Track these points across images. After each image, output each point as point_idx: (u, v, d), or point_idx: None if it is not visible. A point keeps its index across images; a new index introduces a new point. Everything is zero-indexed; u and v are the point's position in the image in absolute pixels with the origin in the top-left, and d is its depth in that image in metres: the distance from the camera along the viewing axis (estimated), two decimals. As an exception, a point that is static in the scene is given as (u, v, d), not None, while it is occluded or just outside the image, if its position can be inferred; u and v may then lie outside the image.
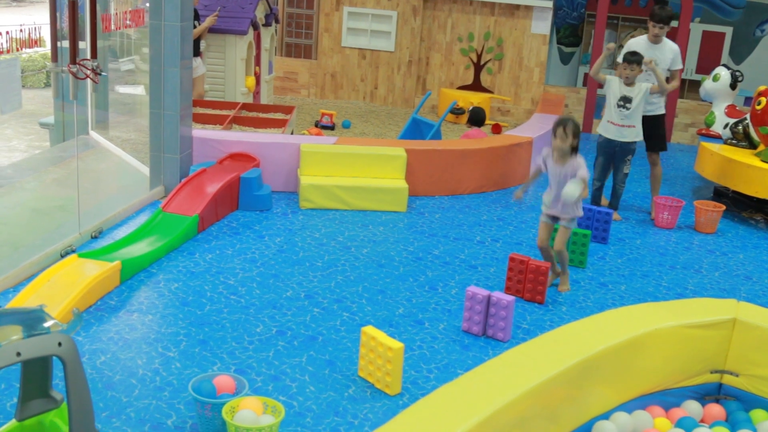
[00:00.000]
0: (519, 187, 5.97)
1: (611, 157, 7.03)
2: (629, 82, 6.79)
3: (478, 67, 11.21)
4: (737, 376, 4.03)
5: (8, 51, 4.93)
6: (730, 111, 8.48)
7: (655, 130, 7.30)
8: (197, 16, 8.34)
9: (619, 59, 6.98)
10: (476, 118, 9.18)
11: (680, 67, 7.22)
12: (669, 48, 7.20)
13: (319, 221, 6.61)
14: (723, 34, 12.31)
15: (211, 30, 8.63)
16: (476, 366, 3.53)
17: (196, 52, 8.40)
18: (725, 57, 12.26)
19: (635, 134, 6.93)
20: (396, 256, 5.97)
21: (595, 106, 10.93)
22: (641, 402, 3.89)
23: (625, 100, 6.82)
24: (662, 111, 7.31)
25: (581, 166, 5.30)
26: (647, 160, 7.53)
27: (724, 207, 7.21)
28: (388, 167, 7.18)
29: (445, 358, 4.50)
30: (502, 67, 11.17)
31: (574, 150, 5.30)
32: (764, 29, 12.44)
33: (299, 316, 4.85)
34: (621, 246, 6.59)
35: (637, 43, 7.25)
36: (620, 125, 6.88)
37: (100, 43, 6.45)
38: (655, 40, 7.16)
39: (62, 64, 5.49)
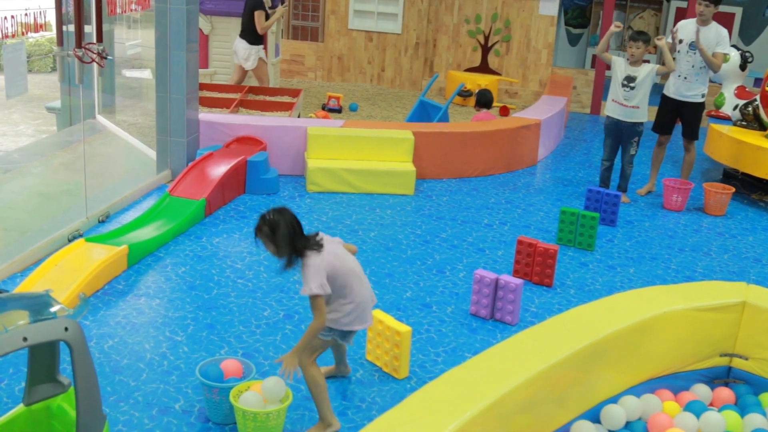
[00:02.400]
0: None
1: (618, 138, 7.02)
2: (635, 61, 6.77)
3: (486, 49, 11.15)
4: (746, 359, 4.01)
5: (14, 35, 4.92)
6: (740, 92, 8.42)
7: (692, 118, 7.29)
8: (262, 5, 8.40)
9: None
10: (484, 100, 9.13)
11: (724, 51, 7.11)
12: (715, 31, 7.10)
13: (326, 205, 6.60)
14: (732, 15, 12.20)
15: (216, 13, 8.59)
16: (484, 349, 3.52)
17: (263, 41, 8.53)
18: (735, 38, 12.16)
19: (641, 115, 6.89)
20: (403, 239, 5.95)
21: (603, 88, 10.87)
22: (650, 385, 3.87)
23: (629, 80, 6.80)
24: (702, 100, 7.25)
25: (306, 279, 3.47)
26: (663, 145, 7.52)
27: (733, 189, 7.16)
28: (395, 150, 7.15)
29: (453, 341, 4.49)
30: (510, 48, 11.09)
31: (295, 254, 3.47)
32: (774, 10, 12.34)
33: (306, 300, 4.82)
34: (630, 228, 6.56)
35: (685, 25, 7.21)
36: (624, 105, 6.86)
37: (105, 27, 6.43)
38: (702, 21, 7.07)
39: (68, 48, 5.46)
